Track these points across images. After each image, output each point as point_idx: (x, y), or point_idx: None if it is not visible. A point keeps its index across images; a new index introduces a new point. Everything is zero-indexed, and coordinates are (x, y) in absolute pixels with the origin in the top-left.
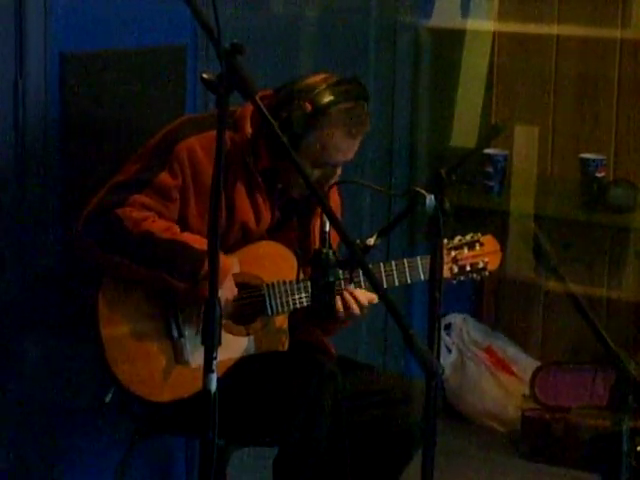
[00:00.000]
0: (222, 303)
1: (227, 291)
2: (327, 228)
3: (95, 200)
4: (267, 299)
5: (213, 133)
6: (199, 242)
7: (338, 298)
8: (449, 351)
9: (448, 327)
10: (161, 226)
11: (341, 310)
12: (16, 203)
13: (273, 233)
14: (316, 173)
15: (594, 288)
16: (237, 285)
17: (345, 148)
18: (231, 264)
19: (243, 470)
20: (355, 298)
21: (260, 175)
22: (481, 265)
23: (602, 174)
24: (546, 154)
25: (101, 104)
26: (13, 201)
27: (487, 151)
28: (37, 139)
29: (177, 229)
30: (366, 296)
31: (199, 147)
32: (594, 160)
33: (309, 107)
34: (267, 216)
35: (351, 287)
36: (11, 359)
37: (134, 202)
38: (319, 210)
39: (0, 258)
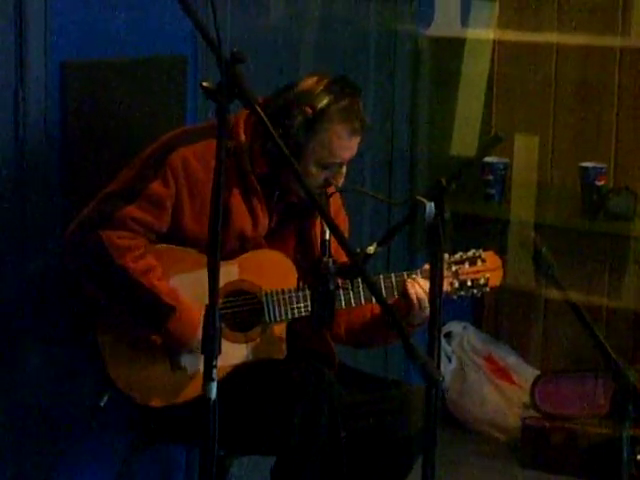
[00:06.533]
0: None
1: (195, 343)
2: (327, 236)
3: (85, 211)
4: (266, 307)
5: (207, 143)
6: (172, 294)
7: (409, 286)
8: (449, 359)
9: (448, 335)
10: (141, 267)
11: (414, 299)
12: (17, 211)
13: (271, 239)
14: (323, 174)
15: (594, 296)
16: (235, 292)
17: (348, 145)
18: (199, 316)
19: (243, 479)
20: (420, 286)
21: (257, 181)
22: (482, 281)
23: (602, 182)
24: (546, 162)
25: (102, 113)
26: (14, 209)
27: (487, 159)
28: (37, 148)
29: (157, 273)
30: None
31: (193, 157)
32: (594, 168)
33: (310, 111)
34: (264, 222)
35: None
36: (10, 365)
37: (124, 216)
38: (319, 218)
39: (0, 265)
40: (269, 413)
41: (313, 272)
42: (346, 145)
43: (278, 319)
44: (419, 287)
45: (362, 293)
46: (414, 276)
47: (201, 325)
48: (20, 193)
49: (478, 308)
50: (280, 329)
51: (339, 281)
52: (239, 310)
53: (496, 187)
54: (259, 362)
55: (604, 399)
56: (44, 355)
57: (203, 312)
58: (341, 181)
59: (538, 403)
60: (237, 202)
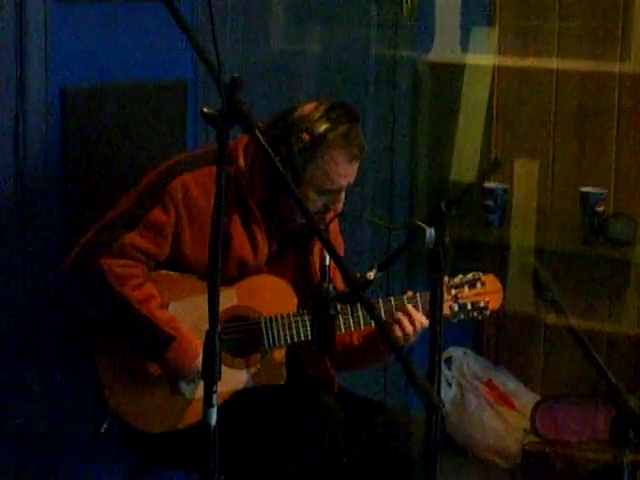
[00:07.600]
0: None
1: (194, 372)
2: (327, 262)
3: (85, 238)
4: (265, 332)
5: (208, 169)
6: (172, 323)
7: (399, 318)
8: (449, 385)
9: (448, 361)
10: (140, 296)
11: (399, 334)
12: (18, 237)
13: (270, 265)
14: (322, 200)
15: (594, 322)
16: (234, 318)
17: (347, 172)
18: (199, 345)
19: None
20: (410, 318)
21: (257, 207)
22: (482, 304)
23: (602, 208)
24: (546, 188)
25: (102, 139)
26: (15, 235)
27: (487, 185)
28: (38, 174)
29: (157, 302)
30: (421, 321)
31: (194, 183)
32: (594, 194)
33: (307, 137)
34: (265, 248)
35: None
36: (10, 391)
37: (124, 244)
38: (317, 243)
39: (0, 289)
40: (269, 439)
41: (313, 298)
42: (344, 171)
43: (277, 344)
44: (399, 331)
45: (362, 318)
46: (399, 315)
47: (201, 354)
48: (20, 217)
49: (478, 333)
50: (280, 355)
51: (339, 306)
52: (238, 336)
53: (496, 212)
54: (259, 388)
55: (604, 424)
56: (44, 382)
57: (203, 340)
58: (340, 206)
59: (538, 428)
60: (237, 229)
